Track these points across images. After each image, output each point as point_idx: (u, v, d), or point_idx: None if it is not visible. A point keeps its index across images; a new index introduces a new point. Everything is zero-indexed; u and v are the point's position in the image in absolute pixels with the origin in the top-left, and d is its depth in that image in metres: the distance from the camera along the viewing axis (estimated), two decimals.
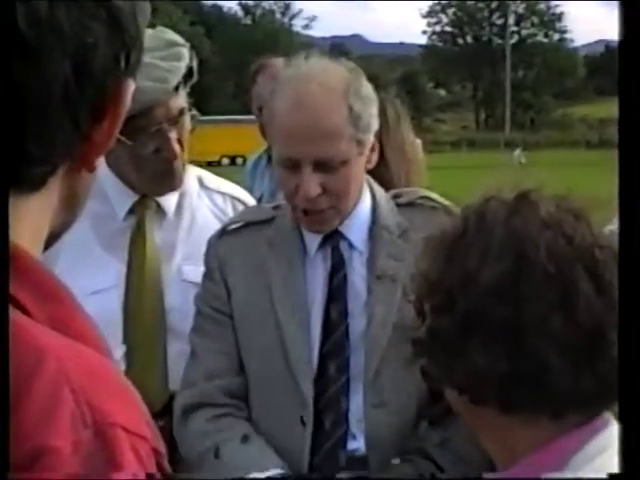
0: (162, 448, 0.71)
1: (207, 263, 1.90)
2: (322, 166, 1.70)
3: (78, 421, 0.63)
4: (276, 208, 1.91)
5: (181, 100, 1.98)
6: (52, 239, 0.76)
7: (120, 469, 0.63)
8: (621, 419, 1.02)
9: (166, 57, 1.92)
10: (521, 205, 1.17)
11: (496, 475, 1.23)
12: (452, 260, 1.16)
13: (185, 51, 1.97)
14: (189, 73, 1.98)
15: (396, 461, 1.71)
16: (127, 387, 0.71)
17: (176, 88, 1.95)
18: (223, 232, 1.91)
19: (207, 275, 1.90)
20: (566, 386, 1.10)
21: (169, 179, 2.02)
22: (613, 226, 1.25)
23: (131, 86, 0.73)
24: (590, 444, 1.14)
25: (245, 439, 1.76)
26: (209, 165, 29.77)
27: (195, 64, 2.00)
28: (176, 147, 1.96)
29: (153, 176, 2.00)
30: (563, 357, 1.09)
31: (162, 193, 2.07)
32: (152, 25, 1.99)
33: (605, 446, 1.14)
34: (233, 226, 1.91)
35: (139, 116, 1.83)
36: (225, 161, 35.80)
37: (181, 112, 1.97)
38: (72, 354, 0.67)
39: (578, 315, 1.10)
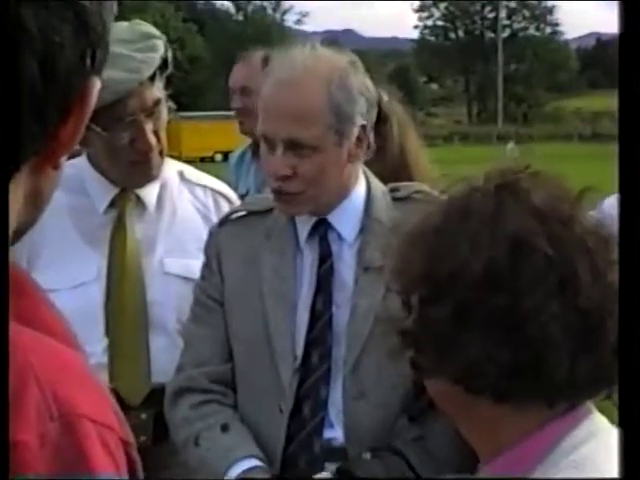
0: (130, 438, 0.71)
1: (206, 251, 1.91)
2: (294, 148, 1.71)
3: (44, 413, 0.64)
4: None
5: (157, 91, 1.99)
6: (17, 236, 0.75)
7: (88, 462, 0.64)
8: (621, 420, 1.02)
9: (141, 49, 1.93)
10: (510, 193, 1.16)
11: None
12: (439, 251, 1.16)
13: (160, 43, 1.98)
14: (164, 64, 1.99)
15: (367, 456, 1.71)
16: (94, 378, 0.72)
17: (151, 79, 1.96)
18: (225, 221, 1.92)
19: (206, 263, 1.91)
20: (565, 373, 1.10)
21: (145, 170, 2.03)
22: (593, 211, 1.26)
23: (97, 84, 0.74)
24: (573, 434, 1.14)
25: (225, 428, 1.77)
26: (202, 161, 29.63)
27: (170, 56, 2.01)
28: (151, 138, 1.97)
29: (129, 167, 2.00)
30: (564, 344, 1.09)
31: (139, 185, 2.07)
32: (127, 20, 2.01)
33: (588, 436, 1.15)
34: (235, 215, 1.92)
35: (113, 106, 1.84)
36: (218, 157, 35.70)
37: (156, 103, 1.98)
38: (38, 346, 0.67)
39: (579, 301, 1.10)
